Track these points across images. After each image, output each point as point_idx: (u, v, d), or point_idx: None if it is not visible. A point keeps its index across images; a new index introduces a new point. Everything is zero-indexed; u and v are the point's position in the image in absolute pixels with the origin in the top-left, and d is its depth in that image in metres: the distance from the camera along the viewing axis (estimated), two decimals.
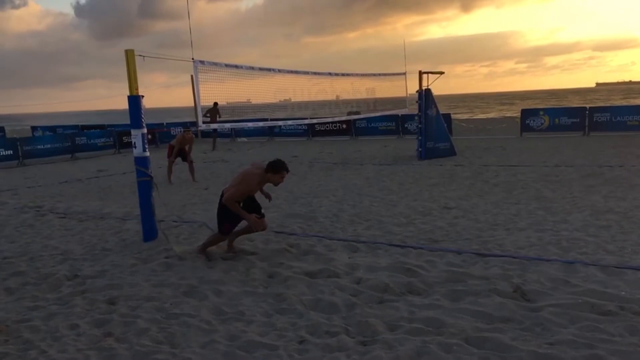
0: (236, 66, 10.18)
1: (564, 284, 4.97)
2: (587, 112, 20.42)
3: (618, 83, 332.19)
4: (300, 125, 22.30)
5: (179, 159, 13.30)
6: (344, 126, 23.65)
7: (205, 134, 23.64)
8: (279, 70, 11.58)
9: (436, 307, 4.62)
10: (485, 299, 4.70)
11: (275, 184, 6.05)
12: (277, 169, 5.91)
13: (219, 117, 19.11)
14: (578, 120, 20.11)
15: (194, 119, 11.21)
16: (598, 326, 4.06)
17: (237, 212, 5.94)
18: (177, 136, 13.91)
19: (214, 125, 13.73)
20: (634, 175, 10.91)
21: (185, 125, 22.85)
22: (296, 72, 12.57)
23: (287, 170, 6.00)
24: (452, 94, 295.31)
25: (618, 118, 19.59)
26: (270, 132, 25.11)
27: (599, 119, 19.82)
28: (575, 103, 60.84)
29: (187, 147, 13.21)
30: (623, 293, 4.68)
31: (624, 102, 51.65)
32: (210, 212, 9.16)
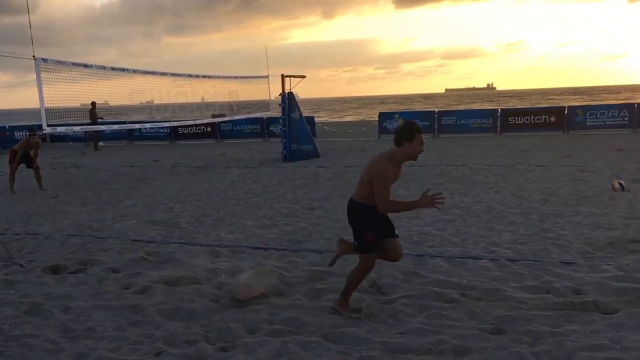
0: (85, 65, 9.54)
1: (414, 276, 5.32)
2: (436, 115, 22.11)
3: (464, 89, 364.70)
4: (162, 127, 21.49)
5: (23, 166, 12.13)
6: (209, 129, 23.19)
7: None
8: (134, 71, 11.05)
9: (297, 307, 4.69)
10: None
11: (416, 156, 4.38)
12: (409, 134, 4.26)
13: (99, 117, 17.93)
14: (428, 123, 21.67)
15: (40, 122, 10.29)
16: (443, 313, 4.39)
17: (403, 208, 4.63)
18: (20, 140, 12.68)
19: (94, 127, 12.76)
20: (475, 173, 12.00)
21: (31, 128, 20.99)
22: (153, 73, 12.10)
23: (421, 131, 4.40)
24: (318, 97, 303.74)
25: (462, 121, 21.46)
26: (129, 136, 23.85)
27: (446, 122, 21.56)
28: (427, 107, 65.56)
29: (32, 153, 12.09)
30: (465, 281, 5.11)
31: (469, 107, 56.71)
32: (59, 222, 8.49)
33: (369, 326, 4.23)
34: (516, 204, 8.69)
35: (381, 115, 23.14)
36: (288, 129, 15.36)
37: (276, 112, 17.29)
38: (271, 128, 22.66)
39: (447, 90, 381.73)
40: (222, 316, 4.52)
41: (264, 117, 20.92)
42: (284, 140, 15.56)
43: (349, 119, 49.80)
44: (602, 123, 20.04)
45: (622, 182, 9.51)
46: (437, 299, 4.71)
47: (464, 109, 35.22)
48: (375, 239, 4.46)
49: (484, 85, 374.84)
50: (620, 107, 21.11)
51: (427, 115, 22.79)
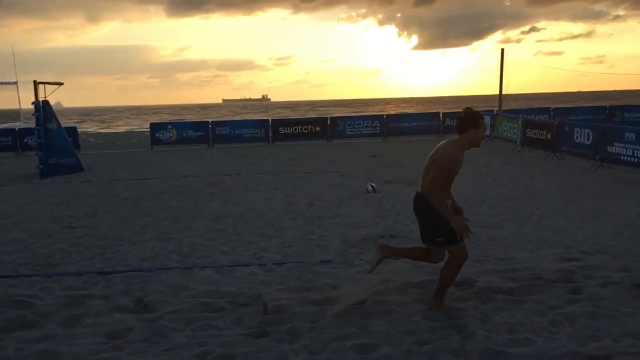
0: None
1: (183, 289, 5.21)
2: (210, 125, 22.18)
3: (241, 100, 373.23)
4: None
5: None
6: None
7: None
8: None
9: (50, 337, 4.23)
10: (104, 319, 4.55)
11: (479, 143, 4.33)
12: (475, 120, 4.25)
13: None
14: (203, 133, 21.65)
15: None
16: (210, 323, 4.38)
17: (439, 208, 4.16)
18: None
19: None
20: (248, 182, 12.32)
21: None
22: None
23: (483, 118, 4.42)
24: (85, 106, 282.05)
25: (236, 131, 21.90)
26: None
27: (221, 132, 21.78)
28: (202, 117, 65.50)
29: None
30: (233, 289, 5.18)
31: (244, 117, 58.20)
32: None
33: (132, 347, 4.01)
34: (285, 209, 9.14)
35: (153, 125, 22.36)
36: (45, 141, 13.88)
37: (31, 123, 15.47)
38: (25, 140, 20.19)
39: (224, 100, 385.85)
40: None
41: (16, 128, 18.57)
42: (40, 154, 14.01)
43: (120, 129, 47.11)
44: (359, 132, 22.34)
45: (374, 185, 10.69)
46: (205, 309, 4.68)
47: (238, 119, 36.01)
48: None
49: (260, 96, 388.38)
50: (372, 118, 23.79)
51: (201, 125, 22.76)
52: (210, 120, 23.63)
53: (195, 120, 34.69)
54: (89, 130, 42.89)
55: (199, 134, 21.69)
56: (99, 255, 6.59)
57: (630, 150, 11.92)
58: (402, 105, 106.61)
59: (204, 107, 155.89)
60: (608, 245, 6.32)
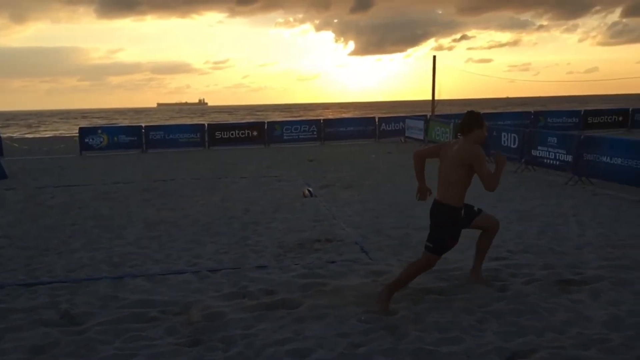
0: None
1: (113, 300, 5.04)
2: (143, 130, 21.57)
3: (177, 104, 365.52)
4: None
5: None
6: None
7: None
8: None
9: None
10: (28, 333, 4.35)
11: (484, 141, 4.63)
12: (478, 121, 4.57)
13: None
14: (136, 138, 21.02)
15: None
16: (141, 334, 4.25)
17: (499, 176, 4.49)
18: None
19: None
20: (183, 187, 12.08)
21: None
22: None
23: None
24: (9, 110, 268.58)
25: (171, 136, 21.41)
26: None
27: (155, 136, 21.22)
28: (136, 122, 63.67)
29: None
30: (166, 297, 5.06)
31: (179, 122, 57.04)
32: None
33: None
34: (221, 214, 9.02)
35: (82, 130, 21.49)
36: None
37: None
38: None
39: (159, 104, 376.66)
40: None
41: None
42: None
43: (47, 134, 45.03)
44: (297, 136, 22.38)
45: (311, 189, 10.75)
46: (136, 320, 4.54)
47: (172, 123, 35.22)
48: (450, 247, 4.70)
49: (196, 100, 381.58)
50: (310, 122, 23.87)
51: (134, 130, 22.10)
52: (143, 125, 23.00)
53: (128, 124, 33.52)
54: (14, 135, 40.81)
55: (132, 138, 21.05)
56: (23, 267, 6.27)
57: (553, 153, 12.56)
58: (340, 110, 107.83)
59: (138, 112, 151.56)
60: (532, 245, 6.64)
